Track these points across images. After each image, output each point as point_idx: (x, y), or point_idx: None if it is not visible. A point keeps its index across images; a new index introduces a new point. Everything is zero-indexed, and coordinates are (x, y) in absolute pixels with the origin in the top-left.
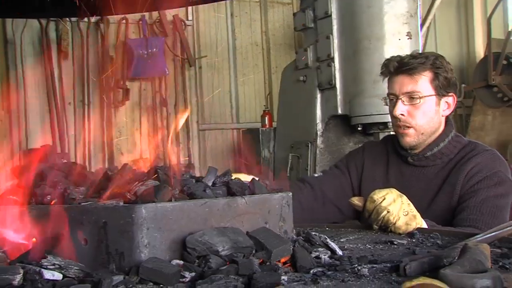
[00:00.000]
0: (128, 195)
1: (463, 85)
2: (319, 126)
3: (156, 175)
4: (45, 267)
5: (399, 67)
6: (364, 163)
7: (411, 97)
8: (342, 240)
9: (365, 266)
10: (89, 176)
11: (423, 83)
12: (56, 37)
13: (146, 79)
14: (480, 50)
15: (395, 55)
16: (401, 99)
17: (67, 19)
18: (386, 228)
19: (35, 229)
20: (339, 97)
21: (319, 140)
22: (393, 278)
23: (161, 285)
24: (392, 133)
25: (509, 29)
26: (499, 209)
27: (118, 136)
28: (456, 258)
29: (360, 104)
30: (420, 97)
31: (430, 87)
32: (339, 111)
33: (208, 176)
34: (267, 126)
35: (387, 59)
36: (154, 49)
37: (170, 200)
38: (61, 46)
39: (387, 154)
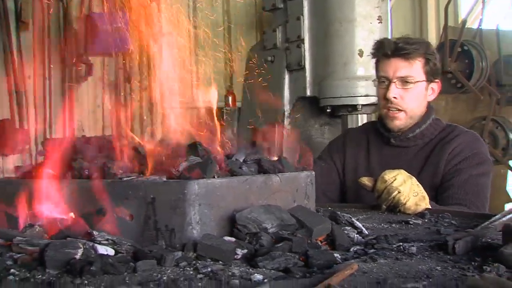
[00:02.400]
0: (174, 171)
1: None
2: (287, 107)
3: (195, 151)
4: (98, 242)
5: (395, 50)
6: (346, 150)
7: (405, 81)
8: (353, 220)
9: (410, 245)
10: (124, 151)
11: (416, 67)
12: (14, 8)
13: (109, 54)
14: (433, 38)
15: (384, 38)
16: (394, 82)
17: None
18: (394, 208)
19: (73, 204)
20: (308, 79)
21: (286, 121)
22: (446, 257)
23: (220, 262)
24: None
25: (462, 18)
26: (481, 187)
27: (79, 113)
28: (487, 238)
29: (329, 86)
30: (414, 82)
31: (422, 73)
32: (308, 93)
33: (239, 153)
34: (231, 106)
35: (379, 41)
36: (118, 24)
37: (214, 177)
38: (21, 16)
39: (367, 139)
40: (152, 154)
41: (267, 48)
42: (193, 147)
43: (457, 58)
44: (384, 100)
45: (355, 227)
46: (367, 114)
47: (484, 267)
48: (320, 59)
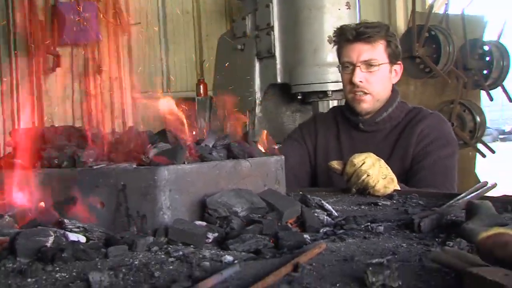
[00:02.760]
0: (143, 158)
1: None
2: (258, 95)
3: (164, 138)
4: (69, 230)
5: (357, 34)
6: (318, 133)
7: (369, 64)
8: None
9: (378, 225)
10: (93, 139)
11: (379, 50)
12: None
13: (77, 45)
14: (401, 24)
15: (343, 24)
16: (359, 66)
17: None
18: (364, 190)
19: (43, 193)
20: (278, 66)
21: (257, 109)
22: (412, 235)
23: (191, 246)
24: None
25: (429, 3)
26: (449, 169)
27: (48, 104)
28: (452, 216)
29: (300, 73)
30: (378, 64)
31: (384, 55)
32: (278, 80)
33: (208, 139)
34: (202, 95)
35: (340, 28)
36: (87, 14)
37: (183, 163)
38: None
39: (337, 123)
40: (121, 141)
41: (237, 36)
42: (163, 134)
43: (424, 43)
44: (350, 85)
45: (324, 210)
46: (338, 100)
47: (447, 242)
48: (290, 47)
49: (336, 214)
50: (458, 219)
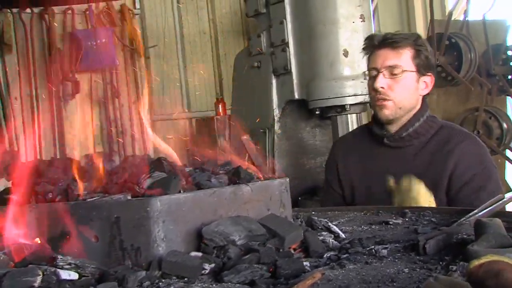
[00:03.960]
0: (137, 189)
1: None
2: (276, 112)
3: (161, 167)
4: (60, 267)
5: (383, 40)
6: (338, 164)
7: (393, 70)
8: (334, 223)
9: (380, 248)
10: (88, 171)
11: (405, 57)
12: None
13: (96, 71)
14: (421, 32)
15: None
16: (382, 72)
17: (8, 10)
18: None
19: (39, 229)
20: (295, 82)
21: (276, 126)
22: (415, 258)
23: (185, 278)
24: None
25: (448, 10)
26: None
27: (69, 130)
28: (463, 234)
29: (317, 87)
30: (402, 71)
31: (411, 63)
32: (296, 96)
33: (208, 165)
34: (221, 114)
35: (368, 36)
36: (103, 40)
37: (179, 192)
38: (3, 39)
39: (359, 142)
40: (117, 172)
41: (253, 54)
42: (158, 162)
43: (445, 51)
44: (373, 91)
45: (331, 232)
46: (356, 113)
47: (451, 266)
48: (305, 62)
49: (343, 236)
50: (469, 237)
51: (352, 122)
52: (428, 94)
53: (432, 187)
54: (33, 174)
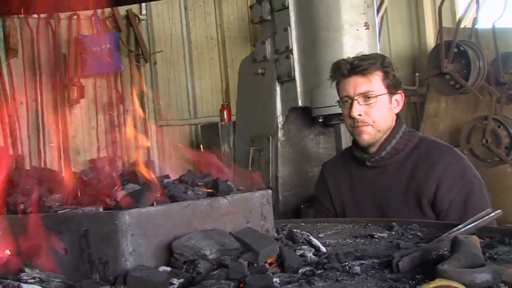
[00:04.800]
0: (109, 201)
1: (417, 74)
2: (280, 119)
3: (135, 178)
4: (24, 281)
5: (352, 68)
6: (328, 184)
7: (367, 96)
8: (321, 235)
9: (355, 264)
10: (63, 182)
11: (376, 82)
12: (3, 35)
13: (101, 76)
14: (430, 39)
15: (339, 59)
16: (356, 100)
17: (15, 15)
18: None
19: (9, 241)
20: (299, 89)
21: (280, 133)
22: (388, 276)
23: None
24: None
25: (458, 18)
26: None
27: (74, 135)
28: (443, 251)
29: (320, 95)
30: (375, 96)
31: (382, 86)
32: (299, 103)
33: (187, 177)
34: (226, 120)
35: (335, 64)
36: (108, 45)
37: (152, 204)
38: (10, 43)
39: (347, 164)
40: (90, 184)
41: (258, 60)
42: (133, 174)
43: (453, 59)
44: (350, 119)
45: (312, 246)
46: None
47: (417, 286)
48: (309, 69)
49: (324, 250)
50: (448, 254)
51: None
52: (400, 110)
53: (416, 199)
54: (7, 184)
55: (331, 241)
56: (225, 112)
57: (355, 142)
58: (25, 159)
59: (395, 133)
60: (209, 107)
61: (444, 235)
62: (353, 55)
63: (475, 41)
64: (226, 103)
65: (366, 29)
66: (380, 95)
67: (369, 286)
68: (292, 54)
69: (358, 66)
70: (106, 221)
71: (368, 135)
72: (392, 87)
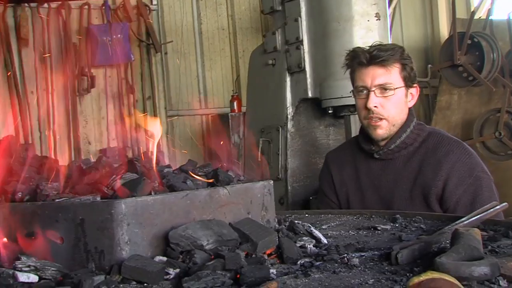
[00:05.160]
0: (106, 190)
1: (429, 66)
2: (290, 110)
3: (134, 168)
4: (19, 269)
5: (371, 58)
6: (332, 175)
7: (384, 88)
8: (324, 227)
9: (354, 256)
10: (63, 171)
11: (394, 74)
12: (14, 24)
13: (111, 66)
14: (444, 31)
15: (355, 46)
16: (373, 91)
17: (26, 4)
18: None
19: (6, 229)
20: (309, 80)
21: (289, 124)
22: (386, 268)
23: (145, 284)
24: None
25: (472, 9)
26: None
27: (84, 125)
28: (445, 243)
29: (330, 86)
30: (393, 89)
31: (400, 79)
32: (309, 94)
33: (187, 167)
34: (236, 111)
35: (352, 52)
36: (119, 35)
37: (150, 194)
38: (21, 33)
39: (353, 155)
40: (88, 173)
41: (268, 51)
42: (131, 163)
43: (467, 51)
44: (365, 110)
45: (313, 237)
46: None
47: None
48: (319, 60)
49: (325, 241)
50: (449, 247)
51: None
52: (414, 104)
53: (423, 195)
54: (6, 172)
55: (334, 232)
56: (235, 103)
57: (363, 134)
58: (35, 148)
59: (406, 127)
60: (220, 98)
61: (446, 227)
62: (365, 46)
63: (489, 32)
64: (236, 94)
65: (377, 20)
66: (397, 88)
67: (366, 278)
68: (303, 45)
69: (378, 56)
70: (102, 210)
71: (383, 130)
72: (409, 80)
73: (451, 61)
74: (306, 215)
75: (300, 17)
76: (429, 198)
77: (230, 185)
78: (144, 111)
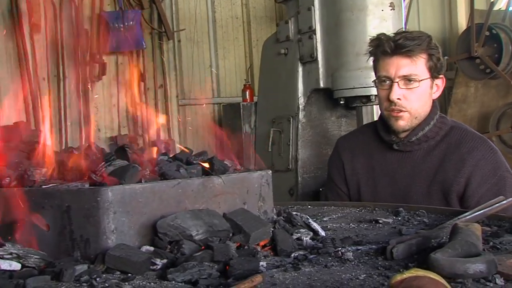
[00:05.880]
0: (94, 177)
1: (445, 57)
2: (301, 100)
3: (125, 155)
4: (1, 256)
5: (396, 48)
6: (344, 163)
7: (408, 79)
8: (325, 219)
9: (349, 249)
10: (54, 156)
11: (420, 65)
12: (27, 9)
13: (123, 53)
14: (462, 22)
15: (380, 33)
16: (397, 82)
17: None
18: None
19: None
20: (321, 70)
21: (301, 115)
22: (379, 263)
23: (130, 274)
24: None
25: (492, 0)
26: None
27: (95, 112)
28: (445, 238)
29: (342, 77)
30: (418, 80)
31: (425, 70)
32: (321, 85)
33: (182, 154)
34: (248, 101)
35: (377, 39)
36: (131, 22)
37: (140, 181)
38: (33, 18)
39: (367, 142)
40: (78, 159)
41: (280, 40)
42: (122, 150)
43: (484, 43)
44: (387, 101)
45: (311, 229)
46: None
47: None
48: (332, 50)
49: (323, 234)
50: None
51: (377, 113)
52: (440, 95)
53: (443, 191)
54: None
55: (334, 225)
56: (247, 92)
57: (382, 122)
58: (46, 135)
59: (430, 120)
60: (233, 87)
61: (448, 222)
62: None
63: (508, 24)
64: (248, 83)
65: (391, 9)
66: (423, 79)
67: (358, 273)
68: (315, 34)
69: (404, 46)
70: (88, 197)
71: (404, 121)
72: (435, 71)
73: (468, 53)
74: (309, 206)
75: (313, 6)
76: (450, 195)
77: (225, 174)
78: (155, 99)
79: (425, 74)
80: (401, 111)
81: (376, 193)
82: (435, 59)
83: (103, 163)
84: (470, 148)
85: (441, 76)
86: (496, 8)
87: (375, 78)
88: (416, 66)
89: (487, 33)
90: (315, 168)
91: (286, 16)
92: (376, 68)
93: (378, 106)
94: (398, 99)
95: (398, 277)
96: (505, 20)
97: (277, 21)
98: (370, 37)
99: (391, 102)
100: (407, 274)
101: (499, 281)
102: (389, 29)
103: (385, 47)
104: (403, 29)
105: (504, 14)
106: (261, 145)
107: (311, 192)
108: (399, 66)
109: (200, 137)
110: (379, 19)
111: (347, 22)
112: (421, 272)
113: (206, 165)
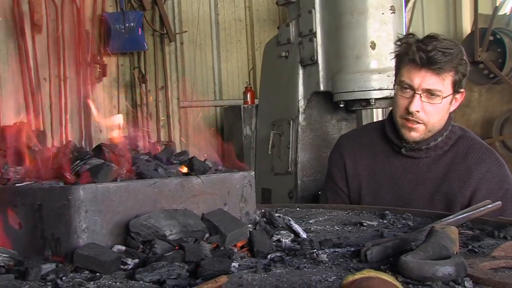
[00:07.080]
0: (68, 176)
1: None
2: (301, 103)
3: (102, 154)
4: None
5: (428, 62)
6: (345, 163)
7: (431, 94)
8: (310, 221)
9: (325, 251)
10: (33, 155)
11: (447, 83)
12: (28, 10)
13: (124, 55)
14: (467, 26)
15: (409, 34)
16: (419, 94)
17: None
18: None
19: None
20: (321, 73)
21: (301, 117)
22: (352, 265)
23: (98, 274)
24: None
25: (497, 5)
26: None
27: (96, 113)
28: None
29: (342, 80)
30: (442, 97)
31: (450, 86)
32: (321, 88)
33: (162, 154)
34: (249, 103)
35: (407, 44)
36: (132, 24)
37: (114, 180)
38: (34, 19)
39: (371, 143)
40: (54, 157)
41: (281, 43)
42: (99, 149)
43: (488, 47)
44: (404, 110)
45: (292, 231)
46: (382, 108)
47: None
48: (332, 53)
49: (304, 236)
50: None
51: (377, 116)
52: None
53: (447, 202)
54: None
55: (318, 227)
56: (248, 95)
57: (392, 125)
58: (46, 134)
59: (444, 131)
60: (235, 89)
61: (430, 225)
62: (377, 40)
63: None
64: (250, 86)
65: (392, 13)
66: (446, 96)
67: (329, 275)
68: (316, 37)
69: (436, 62)
70: (59, 195)
71: (418, 133)
72: (459, 86)
73: (471, 57)
74: (298, 208)
75: (314, 9)
76: (453, 207)
77: (205, 174)
78: (156, 101)
79: (449, 90)
80: (417, 123)
81: (377, 197)
82: (461, 75)
83: (77, 161)
84: (477, 160)
85: (462, 90)
86: (500, 12)
87: (395, 81)
88: (442, 83)
89: (491, 38)
90: (315, 171)
91: (288, 18)
92: (399, 70)
93: (377, 109)
94: (417, 111)
95: (350, 278)
96: (509, 25)
97: (280, 24)
98: (399, 36)
99: (408, 112)
100: (358, 275)
101: (468, 284)
102: (390, 32)
103: (415, 57)
104: (434, 34)
105: (508, 18)
106: (261, 148)
107: (311, 195)
108: (425, 79)
109: (202, 139)
110: (379, 22)
111: (348, 25)
112: (373, 273)
113: (184, 168)
